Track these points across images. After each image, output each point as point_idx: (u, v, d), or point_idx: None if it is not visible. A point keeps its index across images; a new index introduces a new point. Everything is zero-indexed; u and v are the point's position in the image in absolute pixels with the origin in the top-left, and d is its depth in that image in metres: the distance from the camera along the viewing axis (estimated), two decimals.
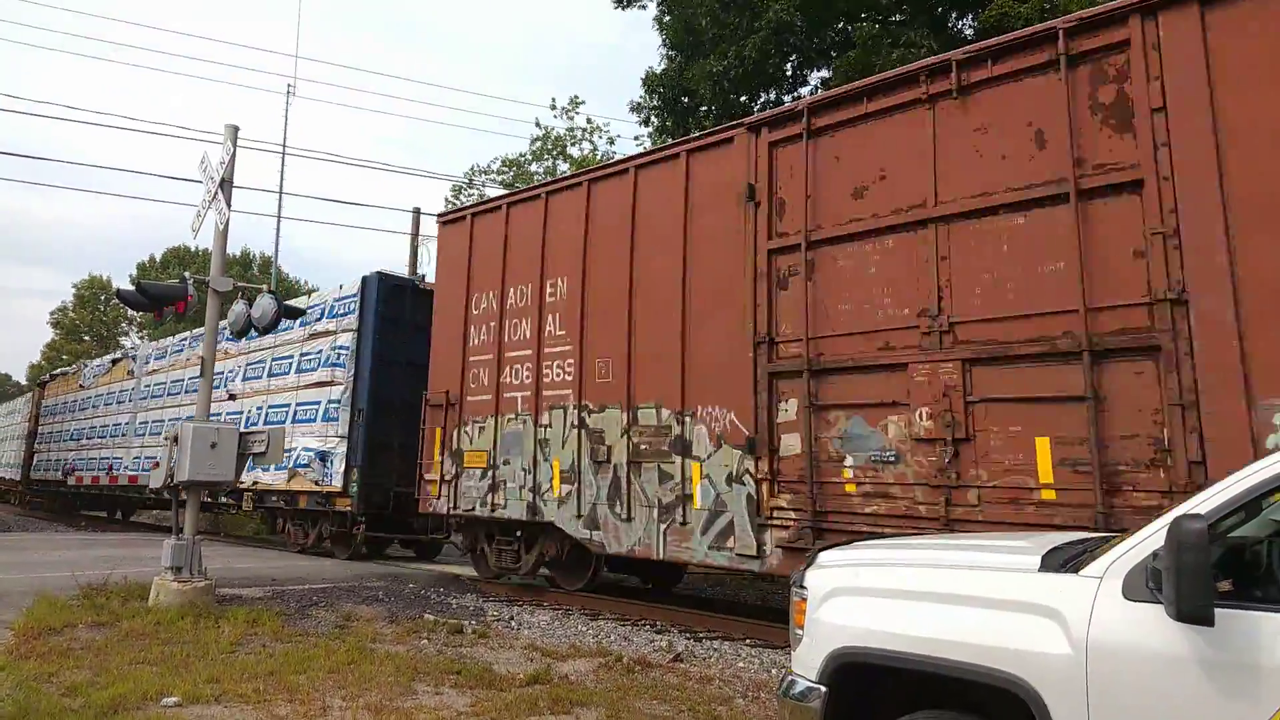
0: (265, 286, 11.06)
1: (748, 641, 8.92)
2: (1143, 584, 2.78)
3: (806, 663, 3.58)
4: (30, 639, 7.67)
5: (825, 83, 21.56)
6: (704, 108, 22.55)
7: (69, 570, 10.99)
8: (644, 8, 21.98)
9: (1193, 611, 2.56)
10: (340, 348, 15.23)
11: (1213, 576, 2.58)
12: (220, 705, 5.97)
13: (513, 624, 9.73)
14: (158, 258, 57.27)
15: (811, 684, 3.52)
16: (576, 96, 37.11)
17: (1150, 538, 2.87)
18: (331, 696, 6.23)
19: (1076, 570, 3.01)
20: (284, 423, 15.87)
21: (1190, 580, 2.54)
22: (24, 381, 62.79)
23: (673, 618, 10.12)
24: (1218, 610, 2.56)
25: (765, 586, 13.64)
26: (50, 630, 8.01)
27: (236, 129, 10.56)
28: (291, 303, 13.54)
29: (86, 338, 61.05)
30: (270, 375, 17.26)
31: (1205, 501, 2.84)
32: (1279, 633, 2.53)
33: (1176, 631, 2.64)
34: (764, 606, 11.45)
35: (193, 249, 53.33)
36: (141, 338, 56.60)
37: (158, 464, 10.18)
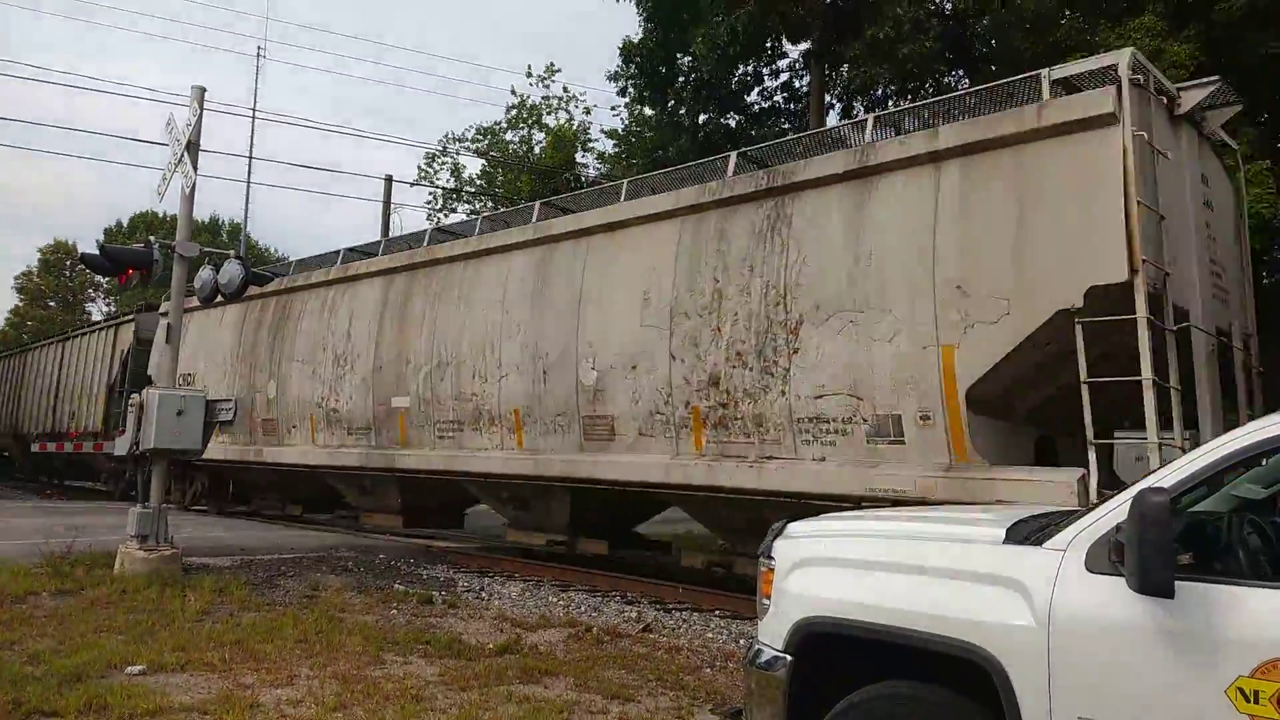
0: (232, 252, 10.90)
1: (717, 613, 8.99)
2: (1105, 557, 2.81)
3: (773, 632, 3.60)
4: None
5: (805, 55, 21.47)
6: (681, 79, 22.38)
7: (32, 538, 10.85)
8: None
9: (1154, 584, 2.59)
10: None
11: (1174, 550, 2.60)
12: (185, 674, 5.93)
13: (483, 595, 9.74)
14: (125, 223, 56.26)
15: (778, 653, 3.53)
16: (552, 64, 36.66)
17: (1113, 511, 2.89)
18: (299, 665, 6.20)
19: (1040, 543, 3.03)
20: None
21: (1152, 553, 2.56)
22: None
23: (643, 589, 10.17)
24: (1178, 583, 2.58)
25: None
26: (12, 598, 7.93)
27: (203, 90, 10.34)
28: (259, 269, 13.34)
29: (52, 303, 59.97)
30: None
31: (1168, 475, 2.86)
32: (1237, 605, 2.56)
33: (1138, 603, 2.66)
34: (735, 578, 11.53)
35: (160, 214, 52.41)
36: (108, 304, 55.70)
37: (124, 431, 10.04)
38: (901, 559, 3.32)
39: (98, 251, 10.74)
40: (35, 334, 46.10)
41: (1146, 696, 2.65)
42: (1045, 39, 14.97)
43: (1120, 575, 2.71)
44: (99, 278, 52.33)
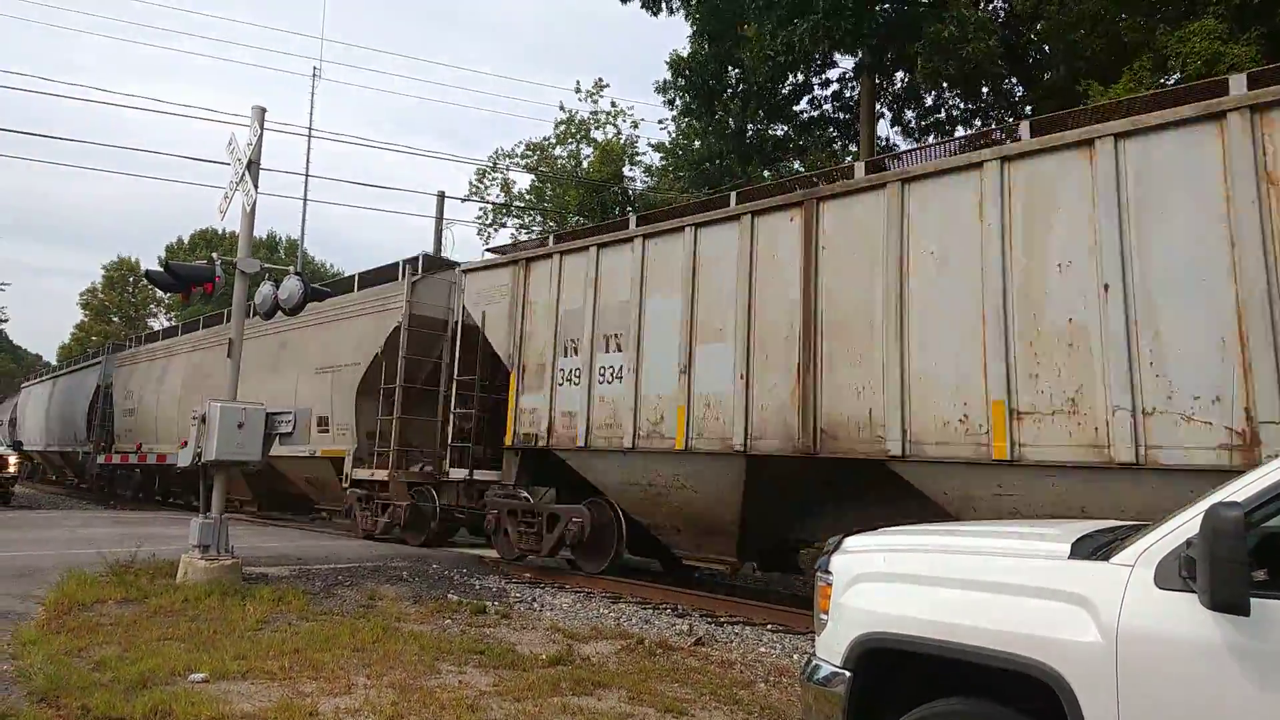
0: (292, 268, 11.12)
1: (769, 627, 8.91)
2: (1175, 572, 2.74)
3: (831, 647, 3.57)
4: (60, 614, 7.79)
5: (857, 66, 21.38)
6: (729, 91, 22.43)
7: (97, 547, 11.15)
8: (674, 13, 21.84)
9: (1227, 600, 2.52)
10: None
11: (1248, 565, 2.53)
12: (247, 682, 6.03)
13: (535, 606, 9.78)
14: (185, 240, 57.81)
15: (836, 669, 3.50)
16: (600, 79, 37.07)
17: (1184, 525, 2.82)
18: (356, 675, 6.28)
19: (1107, 558, 2.96)
20: None
21: (1225, 569, 2.50)
22: (54, 361, 63.62)
23: (694, 602, 10.13)
24: (1253, 600, 2.51)
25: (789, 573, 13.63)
26: (80, 606, 8.14)
27: (264, 110, 10.60)
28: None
29: (115, 319, 61.76)
30: None
31: (1242, 489, 2.78)
32: None
33: (1210, 620, 2.59)
34: (784, 593, 11.44)
35: (220, 231, 53.76)
36: (169, 319, 57.15)
37: (186, 443, 10.29)
38: (963, 574, 3.26)
39: (162, 268, 11.04)
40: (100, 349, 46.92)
41: (1219, 716, 2.58)
42: (1106, 34, 14.77)
43: (1191, 591, 2.64)
44: (161, 293, 53.83)
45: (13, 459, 23.31)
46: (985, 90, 19.83)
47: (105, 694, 5.49)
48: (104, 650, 6.66)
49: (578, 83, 49.28)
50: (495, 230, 33.23)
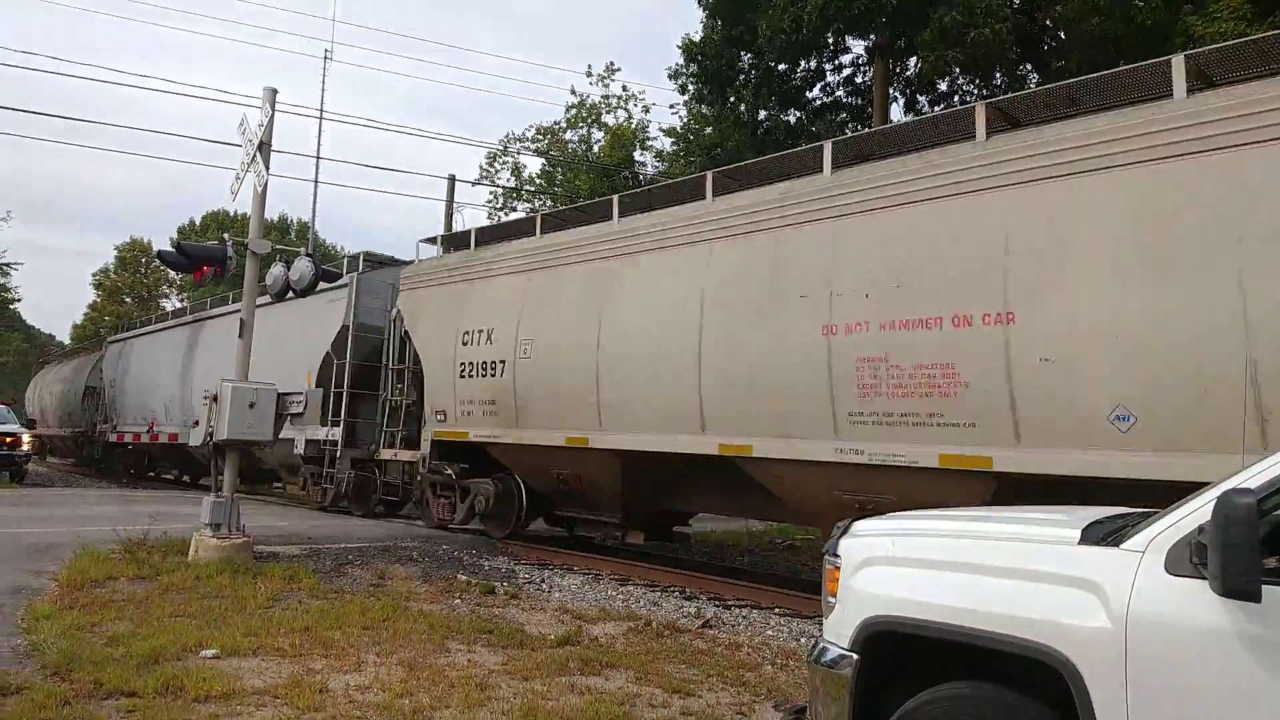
0: (303, 250, 11.16)
1: (776, 610, 8.94)
2: (1187, 558, 2.73)
3: (838, 630, 3.57)
4: (73, 590, 7.87)
5: (869, 50, 21.23)
6: (742, 76, 22.28)
7: (110, 525, 11.23)
8: None
9: (1239, 587, 2.51)
10: None
11: (1260, 552, 2.52)
12: (257, 658, 6.09)
13: (544, 586, 9.82)
14: (197, 221, 57.90)
15: (843, 651, 3.50)
16: (612, 63, 36.91)
17: (1196, 512, 2.81)
18: (366, 652, 6.33)
19: (1118, 544, 2.96)
20: None
21: (1237, 555, 2.49)
22: (67, 342, 64.00)
23: (701, 585, 10.16)
24: (1265, 586, 2.51)
25: (795, 557, 13.66)
26: (93, 582, 8.22)
27: (275, 92, 10.59)
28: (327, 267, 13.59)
29: (128, 299, 61.97)
30: None
31: (1255, 476, 2.77)
32: None
33: (1221, 607, 2.58)
34: (793, 577, 11.46)
35: (232, 213, 53.76)
36: (182, 300, 57.36)
37: (198, 422, 10.35)
38: (972, 559, 3.26)
39: (174, 249, 11.08)
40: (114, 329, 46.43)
41: (1228, 702, 2.57)
42: (1125, 22, 14.61)
43: (1202, 578, 2.63)
44: (173, 274, 54.03)
45: (26, 437, 23.48)
46: (999, 76, 19.65)
47: (117, 669, 5.55)
48: (116, 626, 6.73)
49: (589, 66, 49.23)
50: (506, 214, 33.25)
